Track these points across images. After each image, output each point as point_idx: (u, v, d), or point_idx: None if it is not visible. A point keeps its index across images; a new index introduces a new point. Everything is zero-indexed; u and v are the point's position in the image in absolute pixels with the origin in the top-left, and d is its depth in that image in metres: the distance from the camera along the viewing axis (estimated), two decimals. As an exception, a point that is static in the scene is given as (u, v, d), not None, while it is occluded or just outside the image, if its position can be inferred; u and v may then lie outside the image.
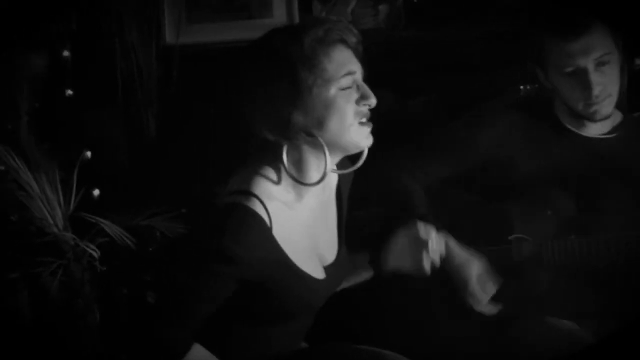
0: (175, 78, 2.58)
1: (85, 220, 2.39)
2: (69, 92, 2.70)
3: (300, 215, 1.54)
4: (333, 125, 1.46)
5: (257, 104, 1.48)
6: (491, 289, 1.86)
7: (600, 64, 1.84)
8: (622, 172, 1.95)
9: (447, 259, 1.84)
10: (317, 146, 1.48)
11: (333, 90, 1.45)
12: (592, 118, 1.90)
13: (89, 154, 2.68)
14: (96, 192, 2.66)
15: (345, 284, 1.74)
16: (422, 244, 1.69)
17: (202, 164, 2.55)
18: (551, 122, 1.97)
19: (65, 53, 2.69)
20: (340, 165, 1.60)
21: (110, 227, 2.28)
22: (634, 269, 1.84)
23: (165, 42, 2.69)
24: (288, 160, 1.50)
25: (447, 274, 1.86)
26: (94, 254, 2.32)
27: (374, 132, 1.52)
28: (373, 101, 1.49)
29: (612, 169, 1.95)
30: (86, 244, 2.32)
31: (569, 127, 1.96)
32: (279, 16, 2.73)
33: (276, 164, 1.51)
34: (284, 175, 1.51)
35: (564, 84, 1.89)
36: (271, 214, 1.45)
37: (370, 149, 1.56)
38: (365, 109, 1.49)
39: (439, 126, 2.17)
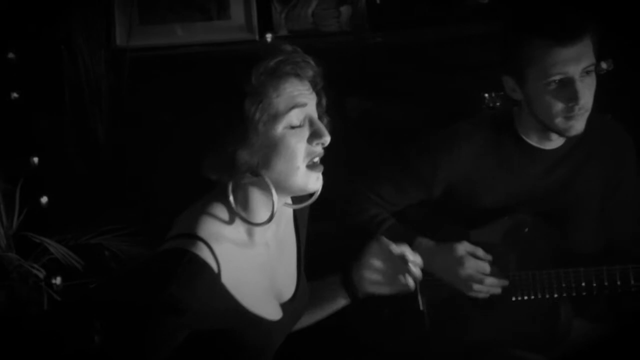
0: (126, 83, 2.43)
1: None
2: (15, 95, 2.56)
3: (253, 254, 1.44)
4: (280, 165, 1.35)
5: (200, 139, 1.37)
6: (486, 256, 1.79)
7: (584, 74, 1.76)
8: (588, 180, 1.89)
9: (431, 257, 1.77)
10: (265, 186, 1.37)
11: (280, 128, 1.34)
12: (565, 133, 1.80)
13: (36, 160, 2.55)
14: (44, 199, 2.53)
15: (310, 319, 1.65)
16: (398, 261, 1.53)
17: (156, 175, 2.44)
18: (514, 140, 1.88)
19: (10, 55, 2.55)
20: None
21: (56, 248, 2.15)
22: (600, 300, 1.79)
23: (115, 45, 2.54)
24: (235, 198, 1.40)
25: (434, 275, 1.79)
26: (39, 274, 2.18)
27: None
28: (326, 139, 1.38)
29: (577, 180, 1.89)
30: (30, 264, 2.18)
31: (532, 143, 1.88)
32: (236, 18, 2.61)
33: (226, 201, 1.40)
34: (234, 213, 1.41)
35: (545, 94, 1.77)
36: (219, 259, 1.35)
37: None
38: (318, 149, 1.38)
39: (402, 135, 2.10)
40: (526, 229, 1.85)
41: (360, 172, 2.04)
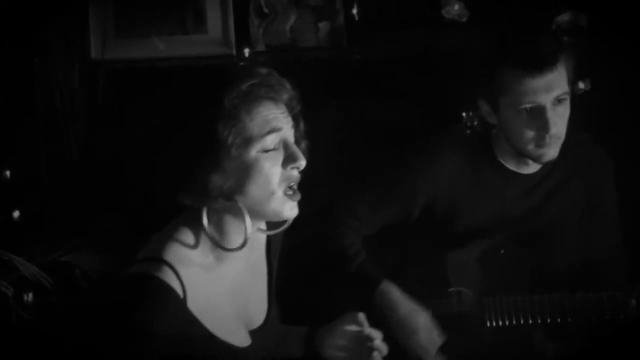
0: (101, 97, 2.40)
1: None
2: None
3: (221, 279, 1.41)
4: (255, 190, 1.33)
5: (172, 164, 1.34)
6: (439, 338, 1.78)
7: (556, 102, 1.75)
8: (565, 203, 1.89)
9: (390, 312, 1.77)
10: (238, 211, 1.34)
11: (254, 152, 1.32)
12: (538, 160, 1.80)
13: (8, 173, 2.52)
14: (16, 214, 2.50)
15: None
16: (366, 342, 1.50)
17: (130, 191, 2.41)
18: (491, 162, 1.87)
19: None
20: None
21: (25, 266, 2.11)
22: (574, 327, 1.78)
23: (90, 58, 2.51)
24: (210, 222, 1.37)
25: (389, 326, 1.77)
26: (7, 292, 2.14)
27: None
28: (302, 163, 1.36)
29: (554, 203, 1.88)
30: (1, 283, 2.15)
31: (509, 167, 1.87)
32: (214, 32, 2.59)
33: (195, 226, 1.38)
34: (202, 238, 1.38)
35: (516, 122, 1.77)
36: (185, 283, 1.32)
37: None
38: (294, 173, 1.36)
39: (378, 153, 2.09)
40: (501, 251, 1.84)
41: (336, 192, 2.03)
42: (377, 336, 1.50)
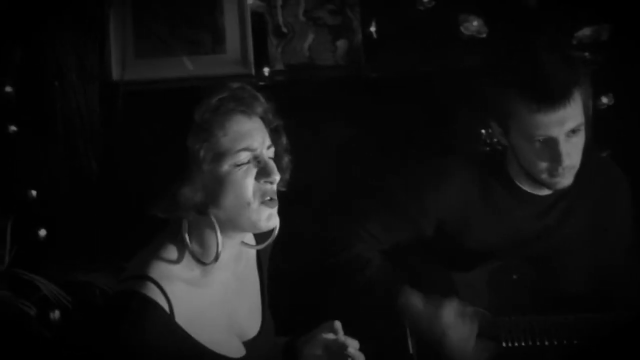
0: (119, 117, 2.43)
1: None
2: (13, 128, 2.57)
3: (209, 292, 1.43)
4: (228, 202, 1.34)
5: (144, 177, 1.36)
6: (471, 329, 1.74)
7: (570, 134, 1.72)
8: (578, 223, 1.86)
9: (416, 320, 1.74)
10: (210, 224, 1.36)
11: (226, 166, 1.33)
12: (552, 188, 1.78)
13: (34, 193, 2.56)
14: (42, 232, 2.54)
15: None
16: (341, 350, 1.48)
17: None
18: (505, 182, 1.85)
19: (8, 89, 2.55)
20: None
21: (46, 286, 2.14)
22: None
23: (111, 79, 2.54)
24: (190, 237, 1.38)
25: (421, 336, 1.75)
26: (30, 311, 2.17)
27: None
28: (275, 178, 1.36)
29: (567, 224, 1.86)
30: (22, 301, 2.18)
31: (524, 188, 1.85)
32: (232, 52, 2.60)
33: (179, 240, 1.40)
34: (186, 252, 1.39)
35: (528, 150, 1.75)
36: (171, 298, 1.34)
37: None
38: (268, 187, 1.36)
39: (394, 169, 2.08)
40: (514, 276, 1.82)
41: (347, 208, 2.02)
42: (352, 344, 1.48)
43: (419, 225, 1.88)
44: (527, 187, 1.85)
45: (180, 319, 1.35)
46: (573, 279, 1.85)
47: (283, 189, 1.49)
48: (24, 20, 2.45)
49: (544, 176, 1.75)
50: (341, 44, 2.61)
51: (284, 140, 1.48)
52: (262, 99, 1.40)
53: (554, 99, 1.68)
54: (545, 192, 1.84)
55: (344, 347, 1.48)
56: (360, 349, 1.53)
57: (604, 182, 1.89)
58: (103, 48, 2.53)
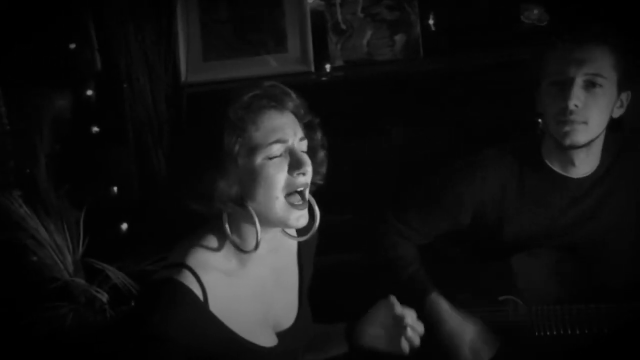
0: (185, 118, 2.57)
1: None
2: (95, 129, 2.76)
3: (245, 283, 1.48)
4: (260, 195, 1.40)
5: (182, 172, 1.44)
6: (487, 354, 1.76)
7: (590, 83, 1.70)
8: (619, 210, 1.82)
9: (438, 324, 1.77)
10: (249, 216, 1.42)
11: (259, 159, 1.39)
12: (563, 141, 1.75)
13: (115, 189, 2.74)
14: (124, 226, 2.72)
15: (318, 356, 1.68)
16: (400, 322, 1.54)
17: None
18: (538, 167, 1.84)
19: (89, 92, 2.74)
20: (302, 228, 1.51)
21: (115, 274, 2.29)
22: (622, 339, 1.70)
23: (178, 81, 2.68)
24: (231, 228, 1.45)
25: (438, 340, 1.77)
26: (103, 298, 2.34)
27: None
28: (308, 169, 1.41)
29: (606, 210, 1.82)
30: (95, 288, 2.34)
31: (557, 170, 1.82)
32: (293, 50, 2.68)
33: (218, 232, 1.46)
34: (225, 243, 1.46)
35: (547, 96, 1.76)
36: (206, 287, 1.40)
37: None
38: (300, 180, 1.41)
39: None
40: (554, 264, 1.80)
41: (391, 203, 2.05)
42: (409, 315, 1.52)
43: (457, 217, 1.89)
44: (558, 168, 1.82)
45: (215, 307, 1.41)
46: (611, 268, 1.80)
47: (320, 182, 1.54)
48: (100, 25, 2.63)
49: (554, 125, 1.75)
50: (399, 38, 2.63)
51: (318, 135, 1.52)
52: (293, 96, 1.46)
53: (580, 32, 1.69)
54: (579, 173, 1.81)
55: (401, 319, 1.52)
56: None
57: None
58: (172, 52, 2.67)
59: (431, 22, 2.61)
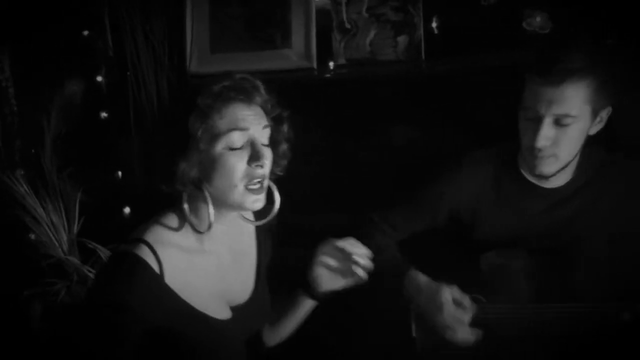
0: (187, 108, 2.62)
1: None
2: (104, 114, 2.84)
3: (202, 259, 1.56)
4: (218, 182, 1.47)
5: (151, 152, 1.52)
6: (465, 314, 1.77)
7: (559, 121, 1.70)
8: (594, 221, 1.82)
9: (417, 295, 1.79)
10: (205, 198, 1.49)
11: (219, 147, 1.45)
12: (532, 171, 1.78)
13: (120, 173, 2.82)
14: (127, 210, 2.80)
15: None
16: (346, 255, 1.62)
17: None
18: (515, 176, 1.85)
19: (99, 78, 2.83)
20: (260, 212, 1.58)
21: (106, 254, 2.36)
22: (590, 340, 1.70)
23: (185, 72, 2.74)
24: (190, 208, 1.51)
25: (420, 312, 1.80)
26: (91, 275, 2.42)
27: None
28: (266, 162, 1.47)
29: (581, 221, 1.83)
30: (87, 268, 2.42)
31: (531, 180, 1.84)
32: (297, 46, 2.72)
33: (180, 211, 1.54)
34: (185, 222, 1.53)
35: (522, 126, 1.79)
36: (163, 260, 1.47)
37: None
38: (257, 171, 1.47)
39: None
40: (523, 266, 1.81)
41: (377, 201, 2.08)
42: (349, 243, 1.60)
43: (435, 216, 1.92)
44: (532, 179, 1.84)
45: (170, 280, 1.48)
46: (586, 275, 1.81)
47: (280, 173, 1.62)
48: (111, 13, 2.71)
49: (527, 155, 1.76)
50: (402, 39, 2.65)
51: (285, 128, 1.59)
52: (262, 90, 1.53)
53: (552, 72, 1.68)
54: (552, 184, 1.82)
55: (343, 250, 1.61)
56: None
57: (626, 183, 1.83)
58: (179, 42, 2.73)
59: (434, 24, 2.62)
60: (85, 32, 2.79)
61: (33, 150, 2.64)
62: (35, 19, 2.73)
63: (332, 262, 1.65)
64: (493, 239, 1.85)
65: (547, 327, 1.74)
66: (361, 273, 1.62)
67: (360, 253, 1.61)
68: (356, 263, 1.60)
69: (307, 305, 1.72)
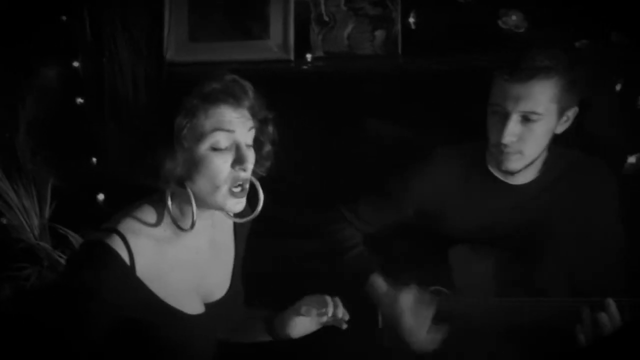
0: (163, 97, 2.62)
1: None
2: (80, 100, 2.83)
3: (179, 252, 1.55)
4: (200, 182, 1.47)
5: (134, 147, 1.51)
6: (426, 318, 1.79)
7: (526, 118, 1.72)
8: (560, 219, 1.85)
9: (379, 302, 1.81)
10: (187, 196, 1.49)
11: (204, 148, 1.45)
12: (499, 166, 1.80)
13: (94, 160, 2.81)
14: (100, 196, 2.79)
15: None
16: (322, 315, 1.64)
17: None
18: (480, 170, 1.88)
19: (75, 63, 2.81)
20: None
21: (77, 240, 2.36)
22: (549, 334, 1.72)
23: (163, 59, 2.74)
24: (173, 202, 1.51)
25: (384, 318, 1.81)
26: (62, 261, 2.41)
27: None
28: (249, 166, 1.48)
29: (547, 218, 1.84)
30: (58, 253, 2.42)
31: (496, 175, 1.86)
32: (275, 38, 2.73)
33: (158, 205, 1.54)
34: (164, 214, 1.52)
35: (489, 122, 1.81)
36: (134, 252, 1.47)
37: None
38: (241, 174, 1.47)
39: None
40: (488, 260, 1.83)
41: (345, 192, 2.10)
42: (339, 312, 1.61)
43: (404, 209, 1.94)
44: (499, 175, 1.86)
45: (141, 272, 1.48)
46: (550, 272, 1.83)
47: (263, 174, 1.62)
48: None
49: (494, 151, 1.78)
50: (379, 33, 2.67)
51: (270, 130, 1.59)
52: (251, 94, 1.52)
53: (518, 69, 1.70)
54: (518, 181, 1.84)
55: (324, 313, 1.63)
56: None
57: (592, 180, 1.86)
58: (158, 30, 2.72)
59: (412, 20, 2.64)
60: (64, 17, 2.77)
61: (7, 135, 2.63)
62: (12, 3, 2.71)
63: (312, 313, 1.65)
64: (461, 233, 1.87)
65: (510, 318, 1.76)
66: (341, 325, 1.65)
67: (341, 311, 1.62)
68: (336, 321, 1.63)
69: (265, 337, 1.74)
